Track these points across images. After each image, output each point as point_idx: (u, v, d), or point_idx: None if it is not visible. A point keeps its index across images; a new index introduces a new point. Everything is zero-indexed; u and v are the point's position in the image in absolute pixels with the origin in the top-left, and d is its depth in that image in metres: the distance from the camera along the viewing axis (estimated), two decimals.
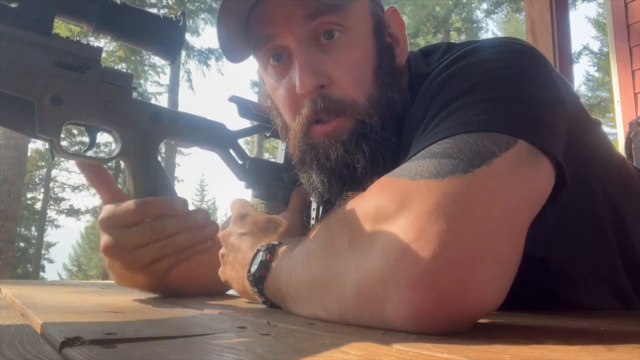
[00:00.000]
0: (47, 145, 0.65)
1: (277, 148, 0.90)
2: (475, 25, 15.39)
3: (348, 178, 0.65)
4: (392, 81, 0.68)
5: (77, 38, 0.64)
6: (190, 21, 11.88)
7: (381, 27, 0.69)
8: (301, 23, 0.64)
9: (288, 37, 0.65)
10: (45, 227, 17.91)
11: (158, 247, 0.65)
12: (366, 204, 0.46)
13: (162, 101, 13.58)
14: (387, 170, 0.65)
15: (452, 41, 0.75)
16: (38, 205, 17.95)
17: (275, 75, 0.69)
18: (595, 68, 17.46)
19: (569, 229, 0.62)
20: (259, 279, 0.60)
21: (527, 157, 0.47)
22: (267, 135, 0.85)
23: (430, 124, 0.53)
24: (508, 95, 0.51)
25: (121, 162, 0.70)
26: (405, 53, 0.72)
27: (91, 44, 0.64)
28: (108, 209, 0.66)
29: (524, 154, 0.47)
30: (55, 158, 0.65)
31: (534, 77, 0.56)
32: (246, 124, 0.85)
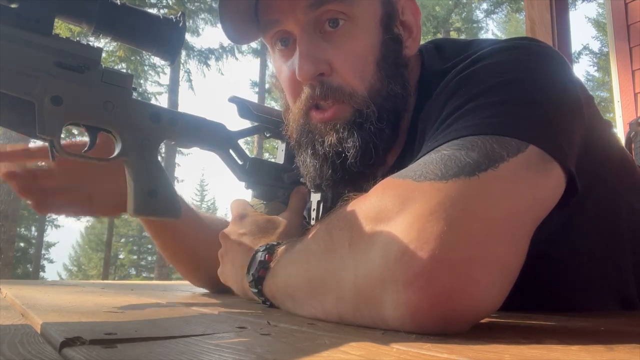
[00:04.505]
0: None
1: (277, 148, 0.90)
2: (475, 25, 15.38)
3: (339, 166, 0.66)
4: (396, 73, 0.67)
5: (77, 38, 0.64)
6: (190, 21, 11.87)
7: (391, 17, 0.68)
8: (305, 11, 0.64)
9: (292, 24, 0.66)
10: (45, 227, 17.91)
11: None
12: (368, 205, 0.46)
13: (162, 101, 13.58)
14: (379, 160, 0.66)
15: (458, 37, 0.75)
16: None
17: (281, 57, 0.71)
18: (595, 68, 17.49)
19: (579, 229, 0.62)
20: (258, 280, 0.60)
21: (537, 162, 0.46)
22: (267, 135, 0.85)
23: (442, 124, 0.53)
24: (523, 99, 0.51)
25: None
26: (418, 42, 0.71)
27: (91, 44, 0.64)
28: None
29: (534, 159, 0.46)
30: (55, 158, 0.65)
31: (552, 81, 0.55)
32: (246, 124, 0.85)
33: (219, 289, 0.91)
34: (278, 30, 0.68)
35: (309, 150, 0.68)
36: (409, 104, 0.69)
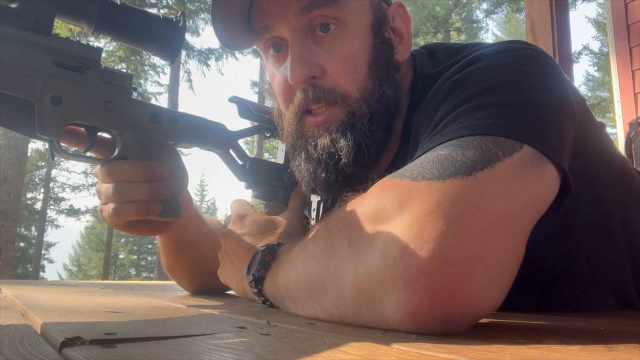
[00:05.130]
0: (47, 145, 0.65)
1: (277, 148, 0.90)
2: (475, 25, 15.39)
3: (332, 168, 0.67)
4: (388, 76, 0.68)
5: (77, 38, 0.64)
6: (190, 21, 11.87)
7: (381, 22, 0.69)
8: (297, 15, 0.65)
9: (284, 29, 0.66)
10: (45, 227, 17.92)
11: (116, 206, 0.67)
12: (366, 205, 0.46)
13: (162, 101, 13.59)
14: (372, 161, 0.66)
15: (455, 41, 0.75)
16: (38, 205, 17.97)
17: (274, 63, 0.72)
18: (595, 68, 17.48)
19: (574, 231, 0.62)
20: (258, 280, 0.60)
21: (532, 162, 0.47)
22: (267, 135, 0.85)
23: (437, 126, 0.54)
24: (517, 100, 0.51)
25: None
26: (409, 48, 0.72)
27: (91, 44, 0.64)
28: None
29: (528, 159, 0.46)
30: (55, 158, 0.65)
31: (544, 83, 0.55)
32: (246, 124, 0.86)
33: (217, 291, 0.91)
34: (271, 36, 0.69)
35: (302, 154, 0.69)
36: (401, 106, 0.69)
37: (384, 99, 0.67)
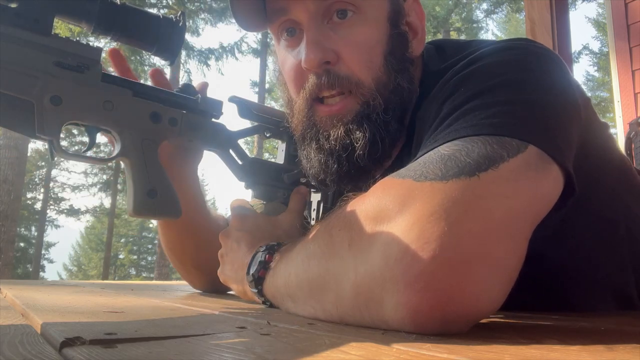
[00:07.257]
0: (46, 145, 0.65)
1: (277, 148, 0.90)
2: (475, 25, 15.39)
3: (345, 160, 0.66)
4: (402, 68, 0.67)
5: (77, 38, 0.64)
6: (190, 21, 11.86)
7: (398, 15, 0.69)
8: (315, 0, 0.65)
9: (301, 12, 0.66)
10: (45, 227, 17.91)
11: None
12: (368, 205, 0.46)
13: None
14: (385, 154, 0.66)
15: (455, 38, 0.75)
16: (38, 205, 17.96)
17: (286, 48, 0.71)
18: (595, 68, 17.49)
19: (576, 231, 0.62)
20: (258, 280, 0.60)
21: (536, 162, 0.46)
22: (267, 135, 0.85)
23: (442, 124, 0.53)
24: (522, 99, 0.51)
25: (121, 163, 0.70)
26: (422, 44, 0.71)
27: (91, 44, 0.64)
28: None
29: (533, 159, 0.46)
30: (55, 158, 0.65)
31: (550, 82, 0.55)
32: (246, 124, 0.85)
33: (218, 289, 0.91)
34: (286, 19, 0.68)
35: (313, 145, 0.68)
36: (413, 101, 0.69)
37: (399, 90, 0.66)
